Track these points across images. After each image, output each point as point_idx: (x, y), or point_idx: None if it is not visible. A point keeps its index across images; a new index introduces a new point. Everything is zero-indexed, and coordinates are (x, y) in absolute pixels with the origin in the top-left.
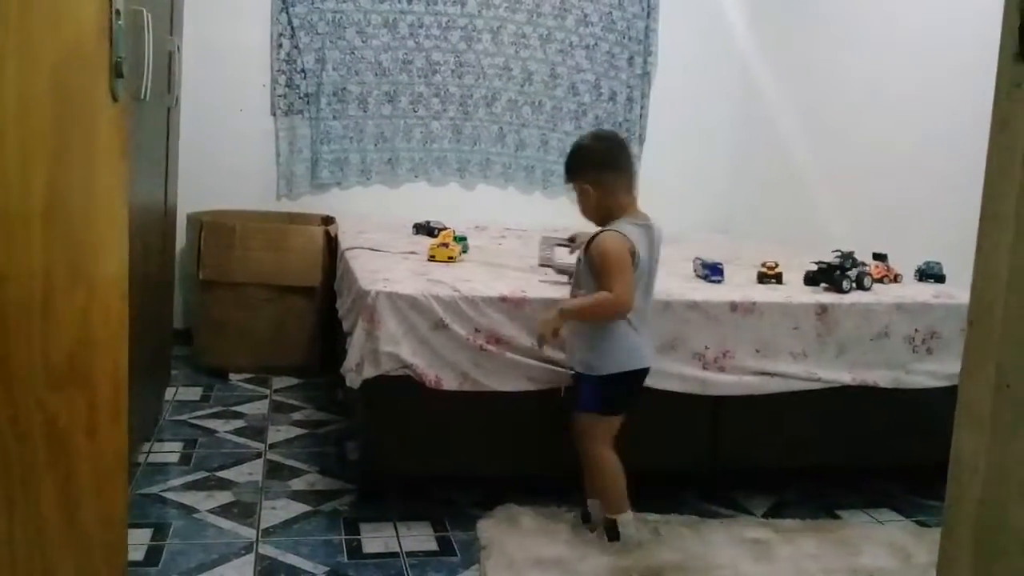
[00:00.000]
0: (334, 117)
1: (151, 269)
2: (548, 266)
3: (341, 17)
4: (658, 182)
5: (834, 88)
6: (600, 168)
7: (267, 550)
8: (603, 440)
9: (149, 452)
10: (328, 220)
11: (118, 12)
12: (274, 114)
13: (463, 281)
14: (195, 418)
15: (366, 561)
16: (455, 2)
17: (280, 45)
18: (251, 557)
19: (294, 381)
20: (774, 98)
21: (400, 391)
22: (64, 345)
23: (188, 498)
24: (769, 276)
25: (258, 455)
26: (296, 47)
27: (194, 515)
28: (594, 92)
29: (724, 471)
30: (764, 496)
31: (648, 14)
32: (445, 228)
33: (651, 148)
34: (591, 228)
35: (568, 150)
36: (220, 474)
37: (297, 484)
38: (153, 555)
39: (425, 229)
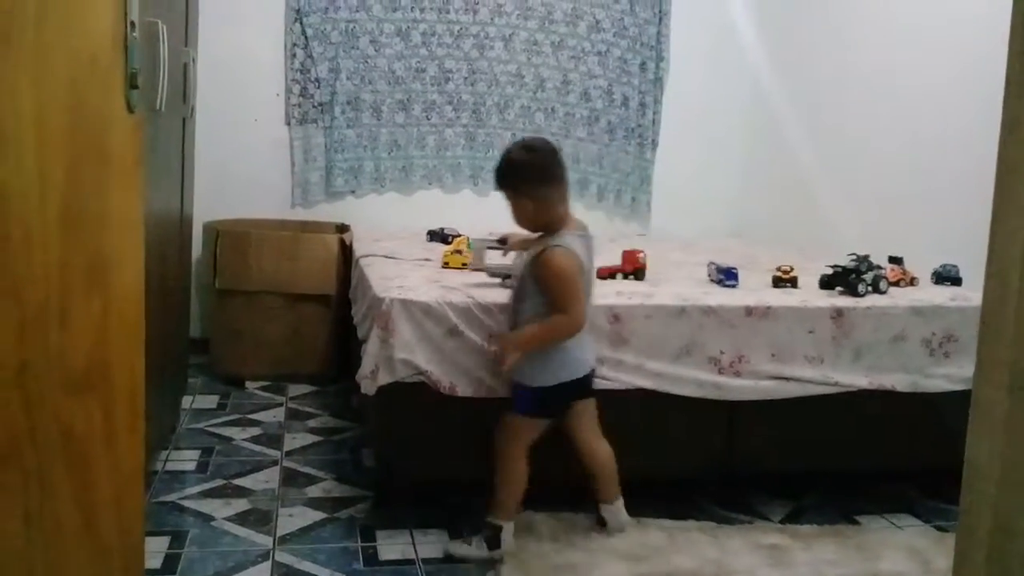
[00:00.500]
0: (348, 126)
1: (168, 278)
2: (480, 270)
3: (354, 27)
4: (671, 187)
5: (847, 90)
6: (534, 182)
7: (284, 557)
8: (524, 441)
9: (166, 460)
10: (343, 228)
11: (133, 24)
12: (288, 123)
13: (476, 287)
14: (212, 426)
15: (382, 568)
16: (467, 10)
17: (294, 55)
18: (268, 564)
19: (310, 388)
20: (786, 101)
21: (415, 398)
22: (81, 354)
23: (205, 506)
24: (784, 280)
25: (274, 463)
26: (310, 57)
27: (211, 523)
28: (606, 98)
29: (740, 476)
30: (781, 502)
31: (660, 19)
32: (459, 235)
33: (664, 153)
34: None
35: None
36: (237, 482)
37: (313, 491)
38: (171, 563)
39: (439, 236)
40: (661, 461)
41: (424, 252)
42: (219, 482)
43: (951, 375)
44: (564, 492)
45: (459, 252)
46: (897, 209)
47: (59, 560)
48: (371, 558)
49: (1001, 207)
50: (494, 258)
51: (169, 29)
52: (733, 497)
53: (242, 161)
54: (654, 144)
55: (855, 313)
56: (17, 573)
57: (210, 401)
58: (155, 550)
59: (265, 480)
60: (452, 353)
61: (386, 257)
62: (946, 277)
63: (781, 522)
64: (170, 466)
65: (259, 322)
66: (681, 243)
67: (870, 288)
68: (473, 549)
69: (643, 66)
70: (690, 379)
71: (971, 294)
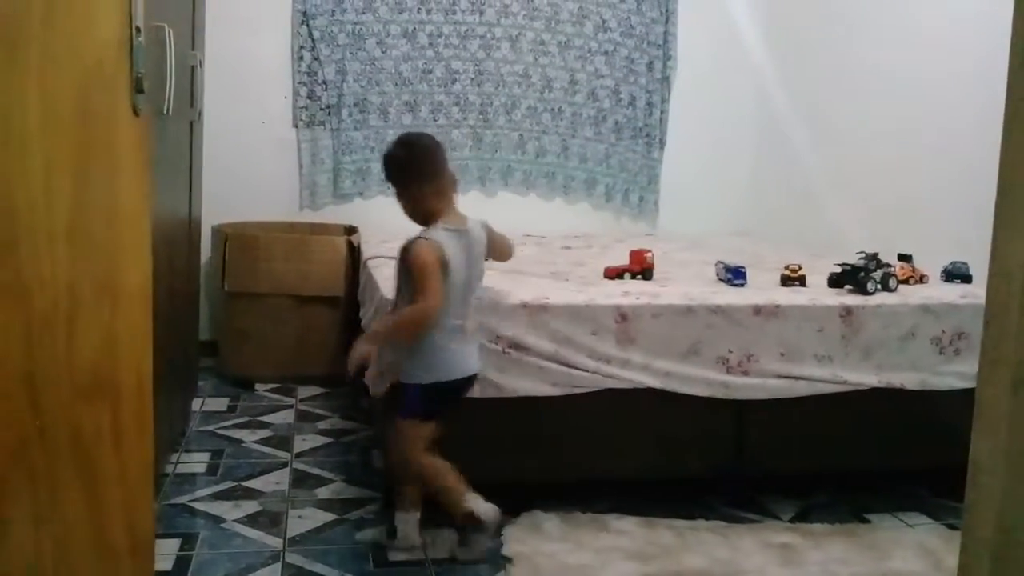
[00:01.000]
0: (355, 128)
1: (176, 281)
2: None
3: (361, 28)
4: (679, 186)
5: (855, 87)
6: (406, 177)
7: (294, 559)
8: (419, 445)
9: (177, 463)
10: (351, 230)
11: (138, 29)
12: (296, 126)
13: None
14: (222, 428)
15: (392, 569)
16: (473, 11)
17: (301, 57)
18: (278, 566)
19: (319, 390)
20: (794, 99)
21: None
22: (89, 357)
23: (216, 508)
24: (793, 279)
25: (284, 464)
26: (317, 59)
27: (221, 525)
28: (614, 98)
29: (750, 475)
30: (791, 500)
31: (667, 19)
32: None
33: (671, 152)
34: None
35: (588, 156)
36: (247, 484)
37: (323, 493)
38: (181, 565)
39: None
40: (670, 460)
41: None
42: (229, 484)
43: (961, 373)
44: (573, 492)
45: None
46: (906, 206)
47: (69, 563)
48: (381, 559)
49: (1004, 207)
50: None
51: (176, 33)
52: (743, 496)
53: (250, 164)
54: (661, 143)
55: (864, 311)
56: None
57: (220, 403)
58: (166, 552)
59: (275, 482)
60: None
61: (394, 259)
62: (956, 275)
63: (791, 521)
64: (181, 468)
65: (268, 324)
66: (689, 242)
67: (879, 286)
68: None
69: (650, 65)
70: (699, 378)
71: (981, 292)
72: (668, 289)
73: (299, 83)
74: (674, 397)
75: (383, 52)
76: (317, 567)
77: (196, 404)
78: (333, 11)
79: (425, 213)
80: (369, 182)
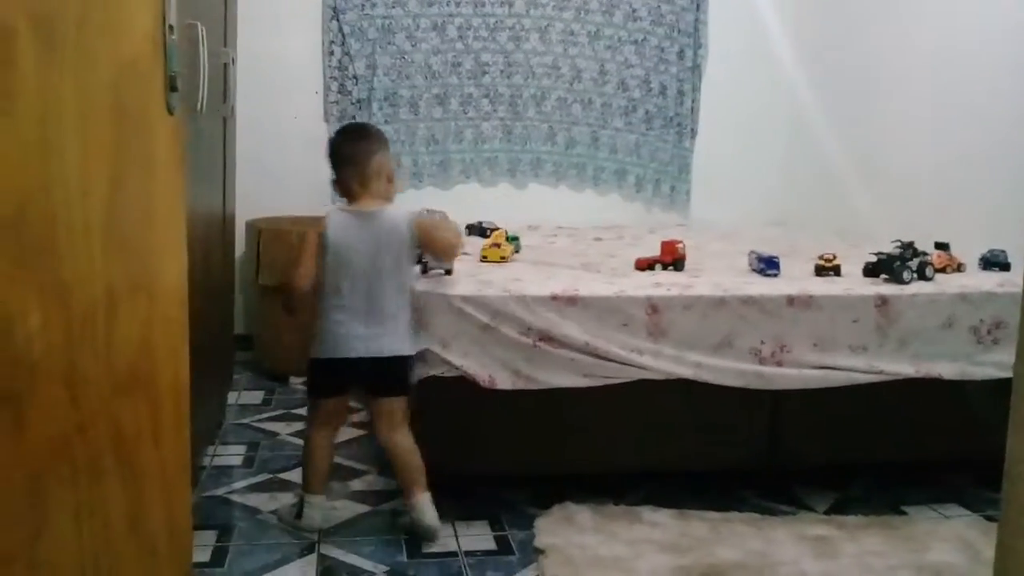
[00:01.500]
0: (386, 121)
1: (212, 276)
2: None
3: (390, 22)
4: (711, 175)
5: (890, 74)
6: (333, 159)
7: (328, 550)
8: (316, 422)
9: (214, 455)
10: None
11: (171, 28)
12: (327, 121)
13: (514, 280)
14: (257, 421)
15: (425, 560)
16: (503, 3)
17: (331, 52)
18: (313, 557)
19: None
20: (828, 87)
21: (454, 390)
22: (127, 353)
23: (252, 500)
24: (827, 268)
25: None
26: (347, 54)
27: (257, 516)
28: (644, 87)
29: (784, 467)
30: (826, 492)
31: (697, 6)
32: (497, 228)
33: (703, 141)
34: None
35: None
36: (282, 476)
37: (357, 484)
38: (218, 556)
39: (477, 230)
40: (704, 452)
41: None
42: (265, 476)
43: (1000, 362)
44: (606, 484)
45: (497, 246)
46: (943, 193)
47: (108, 554)
48: (415, 550)
49: None
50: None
51: (208, 30)
52: (777, 488)
53: (282, 159)
54: (693, 133)
55: (900, 301)
56: (67, 568)
57: (255, 397)
58: (203, 544)
59: None
60: (489, 346)
61: None
62: (994, 262)
63: (826, 513)
64: (217, 461)
65: (301, 318)
66: (721, 232)
67: (915, 275)
68: (285, 516)
69: (681, 54)
70: (732, 369)
71: (1019, 279)
72: (700, 280)
73: (330, 78)
74: (707, 388)
75: (413, 46)
76: (351, 558)
77: (232, 397)
78: (363, 6)
79: (344, 194)
80: (399, 175)
